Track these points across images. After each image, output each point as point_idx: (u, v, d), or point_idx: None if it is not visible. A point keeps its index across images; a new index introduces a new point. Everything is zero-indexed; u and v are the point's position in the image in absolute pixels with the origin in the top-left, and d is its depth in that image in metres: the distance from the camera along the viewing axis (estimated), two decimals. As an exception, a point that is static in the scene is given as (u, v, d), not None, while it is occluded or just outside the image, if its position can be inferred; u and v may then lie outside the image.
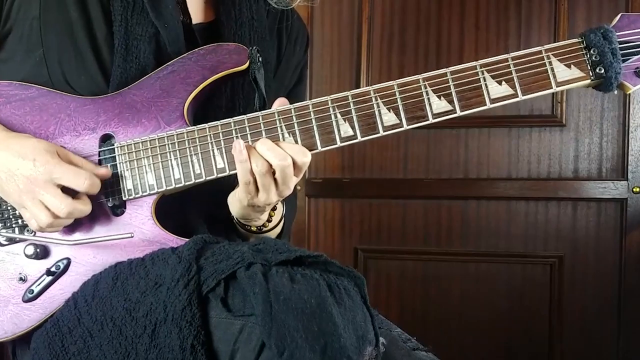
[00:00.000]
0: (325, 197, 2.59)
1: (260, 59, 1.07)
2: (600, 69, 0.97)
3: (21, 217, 1.06)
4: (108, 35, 1.09)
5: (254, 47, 1.07)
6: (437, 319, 2.50)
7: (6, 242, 1.07)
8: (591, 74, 0.97)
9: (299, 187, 2.36)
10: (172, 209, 1.09)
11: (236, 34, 1.16)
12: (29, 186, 0.98)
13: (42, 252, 1.05)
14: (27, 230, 1.06)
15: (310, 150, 1.00)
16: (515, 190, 2.43)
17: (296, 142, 1.00)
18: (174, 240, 1.03)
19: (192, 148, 1.03)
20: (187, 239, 1.01)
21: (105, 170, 1.03)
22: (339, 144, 1.00)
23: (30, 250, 1.04)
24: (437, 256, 2.50)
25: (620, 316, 2.37)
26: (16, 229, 1.06)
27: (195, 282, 0.89)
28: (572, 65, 0.97)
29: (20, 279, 1.05)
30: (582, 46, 0.98)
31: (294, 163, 0.98)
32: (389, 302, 2.53)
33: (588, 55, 0.97)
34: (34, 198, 0.98)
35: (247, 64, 1.07)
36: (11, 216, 1.06)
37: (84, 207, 1.01)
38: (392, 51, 2.52)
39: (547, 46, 0.98)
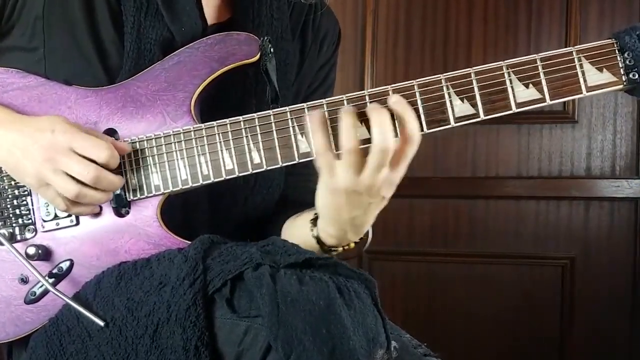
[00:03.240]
0: (328, 196, 2.59)
1: (272, 50, 1.06)
2: (634, 75, 0.93)
3: (21, 216, 1.06)
4: (116, 37, 1.08)
5: (266, 37, 1.06)
6: (443, 322, 2.50)
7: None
8: (624, 79, 0.93)
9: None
10: (175, 209, 1.09)
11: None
12: (48, 155, 0.96)
13: (44, 253, 1.05)
14: (28, 230, 1.06)
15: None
16: (525, 189, 2.44)
17: (309, 144, 0.98)
18: (180, 244, 1.03)
19: (199, 148, 1.02)
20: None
21: (124, 145, 1.02)
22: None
23: (32, 250, 1.04)
24: (443, 257, 2.51)
25: (633, 320, 2.38)
26: (16, 228, 1.07)
27: (201, 281, 0.90)
28: (604, 69, 0.93)
29: (22, 280, 1.05)
30: (616, 48, 0.94)
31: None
32: (394, 305, 2.53)
33: (622, 59, 0.93)
34: (55, 169, 0.97)
35: (257, 56, 1.05)
36: (11, 215, 1.07)
37: (114, 178, 0.99)
38: (398, 45, 2.52)
39: (578, 47, 0.94)
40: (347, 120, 0.92)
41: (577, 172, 2.42)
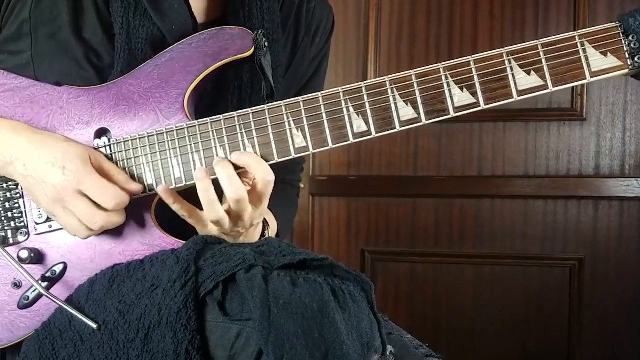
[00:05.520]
0: (330, 196, 2.59)
1: (266, 44, 1.05)
2: (639, 58, 0.92)
3: (14, 219, 1.06)
4: (105, 38, 1.08)
5: (260, 31, 1.05)
6: (449, 324, 2.50)
7: (-3, 246, 1.06)
8: (629, 63, 0.93)
9: (302, 185, 2.36)
10: (170, 209, 1.08)
11: None
12: (57, 195, 0.97)
13: (37, 257, 1.04)
14: (20, 233, 1.06)
15: (320, 147, 0.99)
16: (532, 189, 2.43)
17: (305, 138, 0.99)
18: (174, 244, 1.02)
19: (193, 145, 1.01)
20: None
21: (136, 187, 1.01)
22: (351, 140, 0.98)
23: (25, 254, 1.03)
24: (449, 258, 2.50)
25: (643, 321, 2.37)
26: (9, 232, 1.06)
27: (193, 283, 0.89)
28: (608, 53, 0.92)
29: (15, 284, 1.05)
30: (620, 32, 0.93)
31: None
32: (398, 307, 2.53)
33: (626, 42, 0.92)
34: (64, 208, 0.98)
35: (251, 50, 1.05)
36: (3, 218, 1.06)
37: (118, 219, 1.00)
38: (402, 41, 2.51)
39: (580, 31, 0.93)
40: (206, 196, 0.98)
41: (586, 171, 2.40)
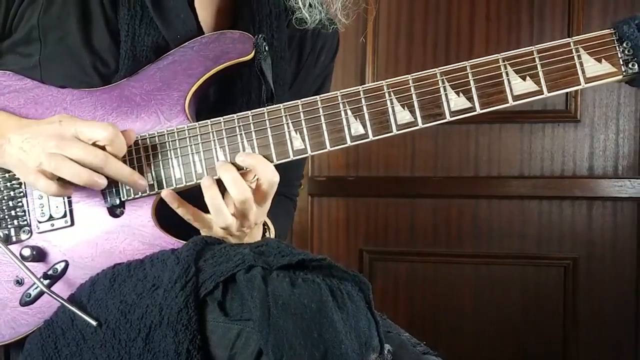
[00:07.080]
0: (329, 196, 2.59)
1: (266, 48, 1.06)
2: (633, 65, 0.93)
3: (17, 218, 1.06)
4: (112, 45, 1.08)
5: (260, 35, 1.06)
6: (448, 323, 2.50)
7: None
8: (623, 70, 0.94)
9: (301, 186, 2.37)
10: (170, 208, 1.08)
11: None
12: (57, 143, 0.96)
13: (39, 254, 1.04)
14: (23, 231, 1.06)
15: (318, 150, 0.99)
16: (527, 189, 2.43)
17: (303, 141, 0.99)
18: (174, 244, 1.03)
19: (193, 146, 1.02)
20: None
21: (129, 131, 1.01)
22: (349, 143, 0.98)
23: (27, 252, 1.03)
24: (447, 258, 2.50)
25: (638, 320, 2.37)
26: (11, 230, 1.06)
27: (193, 284, 0.89)
28: (602, 60, 0.93)
29: (17, 281, 1.05)
30: (614, 38, 0.94)
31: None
32: (397, 307, 2.52)
33: (620, 49, 0.93)
34: (62, 157, 0.96)
35: (252, 54, 1.06)
36: (6, 216, 1.06)
37: (123, 165, 0.99)
38: (399, 42, 2.51)
39: (575, 38, 0.94)
40: (212, 194, 0.98)
41: (580, 171, 2.41)
